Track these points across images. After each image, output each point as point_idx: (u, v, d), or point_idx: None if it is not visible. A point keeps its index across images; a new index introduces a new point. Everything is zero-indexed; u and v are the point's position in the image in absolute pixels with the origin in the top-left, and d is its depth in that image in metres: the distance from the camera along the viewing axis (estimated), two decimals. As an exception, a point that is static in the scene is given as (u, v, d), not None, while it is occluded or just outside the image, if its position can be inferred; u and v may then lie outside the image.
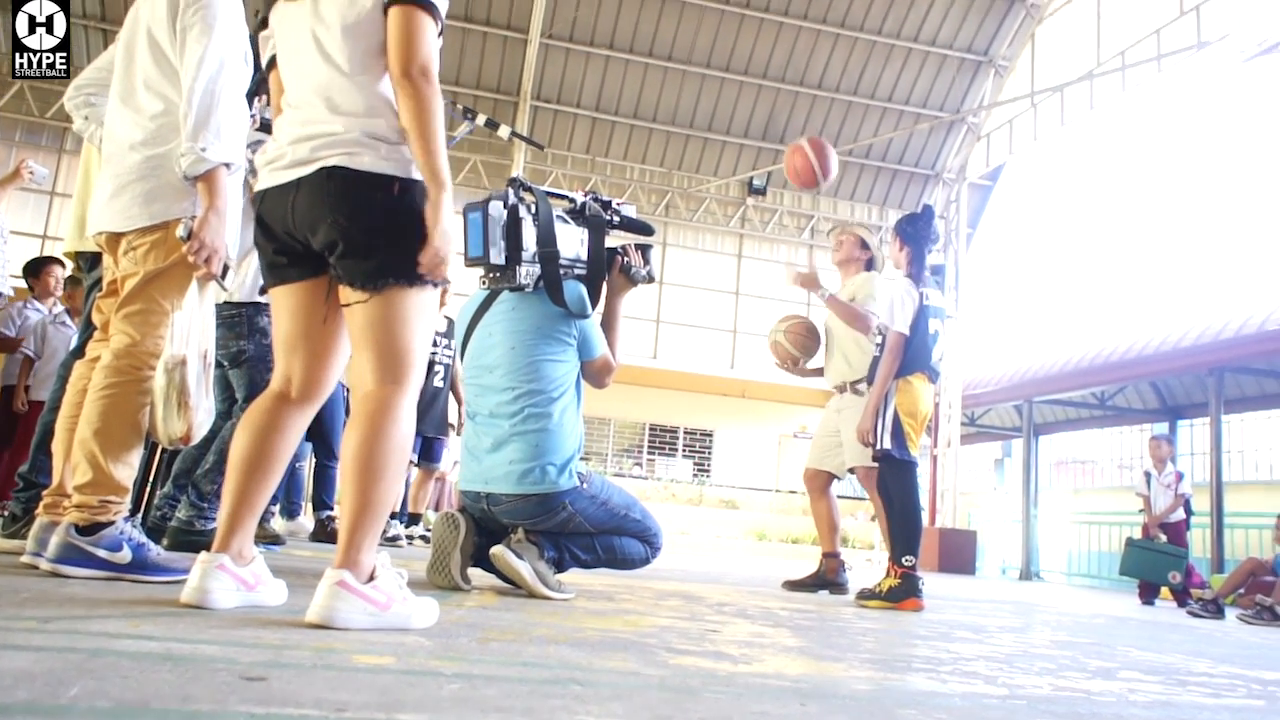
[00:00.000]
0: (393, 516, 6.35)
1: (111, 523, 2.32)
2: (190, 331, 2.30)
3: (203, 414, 2.32)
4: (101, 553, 2.29)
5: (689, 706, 1.35)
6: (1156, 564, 8.03)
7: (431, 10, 1.92)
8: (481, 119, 3.60)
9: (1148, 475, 8.74)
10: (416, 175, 1.92)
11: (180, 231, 2.31)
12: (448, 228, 1.89)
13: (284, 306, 2.03)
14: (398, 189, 1.90)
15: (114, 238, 2.49)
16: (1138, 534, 8.82)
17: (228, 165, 2.39)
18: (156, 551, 2.38)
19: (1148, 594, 8.26)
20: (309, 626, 1.74)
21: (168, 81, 2.46)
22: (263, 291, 2.12)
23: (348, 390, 5.75)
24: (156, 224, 2.43)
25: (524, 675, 1.47)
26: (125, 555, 2.31)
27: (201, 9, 2.41)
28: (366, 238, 1.87)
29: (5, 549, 2.83)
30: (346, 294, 1.93)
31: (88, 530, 2.29)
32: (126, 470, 2.38)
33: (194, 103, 2.36)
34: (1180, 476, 8.57)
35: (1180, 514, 8.42)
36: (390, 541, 6.01)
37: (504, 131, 3.70)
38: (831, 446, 4.93)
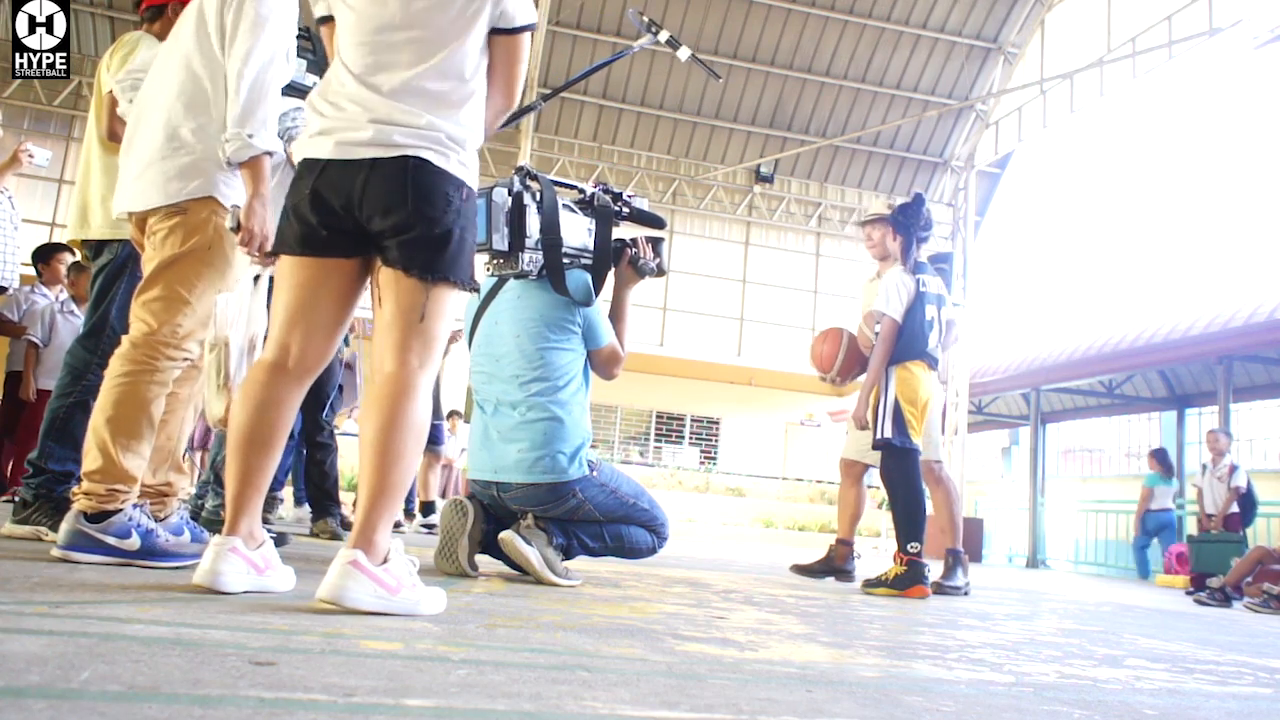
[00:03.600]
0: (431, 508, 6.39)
1: (120, 510, 2.34)
2: (236, 315, 2.34)
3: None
4: (110, 539, 2.30)
5: (695, 693, 1.36)
6: (1219, 554, 8.09)
7: (532, 30, 2.10)
8: (664, 35, 3.57)
9: (1204, 467, 8.80)
10: (476, 185, 2.05)
11: (229, 223, 2.37)
12: None
13: (298, 277, 2.01)
14: (465, 194, 1.99)
15: (140, 221, 2.52)
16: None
17: (269, 153, 2.43)
18: (165, 538, 2.40)
19: (1199, 584, 8.22)
20: (318, 610, 1.75)
21: (205, 63, 2.48)
22: (271, 255, 2.10)
23: None
24: (174, 206, 2.45)
25: (531, 661, 1.48)
26: (134, 542, 2.33)
27: (257, 1, 2.43)
28: (438, 232, 1.92)
29: (16, 535, 2.85)
30: (401, 279, 1.94)
31: (96, 518, 2.31)
32: (136, 460, 2.39)
33: (243, 91, 2.39)
34: (1235, 469, 8.56)
35: (1234, 506, 8.46)
36: (430, 529, 6.05)
37: (683, 53, 3.67)
38: (869, 438, 4.90)
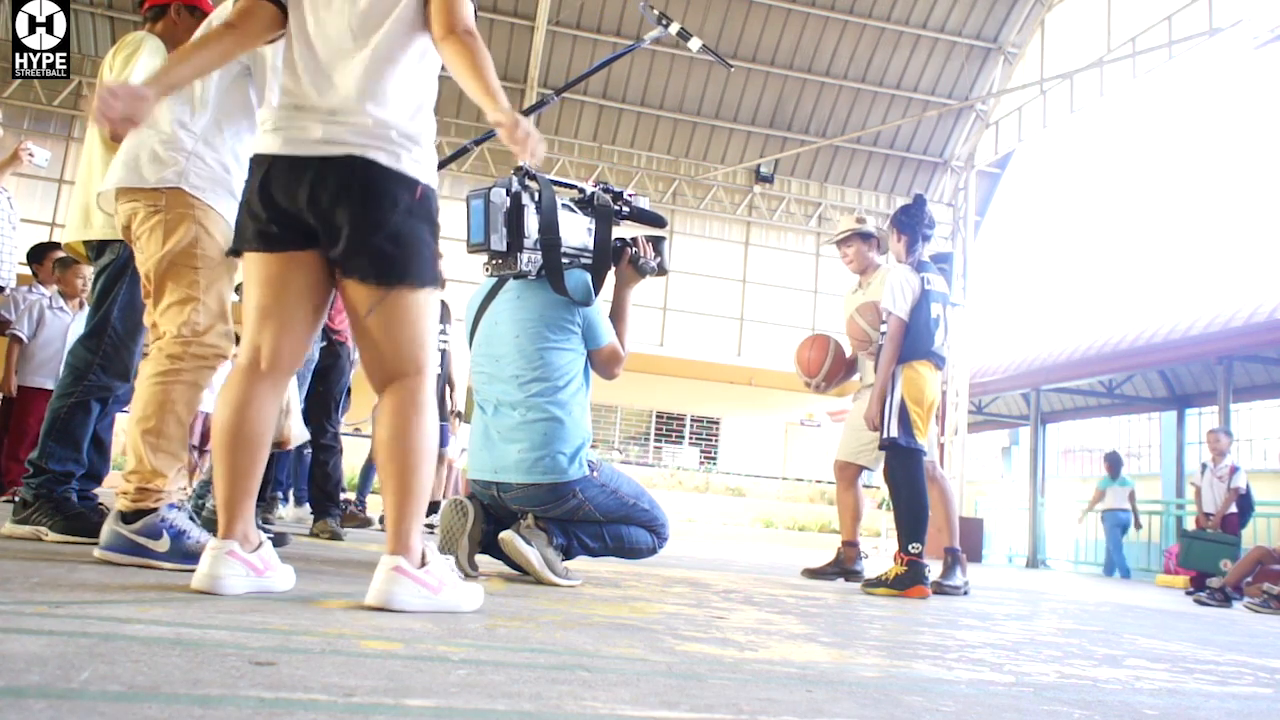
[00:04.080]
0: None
1: (154, 510, 2.35)
2: None
3: (297, 425, 2.44)
4: (141, 539, 2.32)
5: (695, 693, 1.36)
6: (1211, 553, 8.08)
7: None
8: (675, 27, 3.57)
9: (1204, 466, 8.79)
10: (434, 181, 1.99)
11: None
12: (528, 127, 1.93)
13: (262, 274, 1.98)
14: (419, 193, 1.94)
15: (125, 229, 2.55)
16: (1152, 524, 8.85)
17: None
18: (195, 539, 2.38)
19: (1199, 584, 8.21)
20: (318, 609, 1.75)
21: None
22: (232, 254, 2.07)
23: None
24: (151, 205, 2.46)
25: (531, 661, 1.48)
26: (164, 543, 2.33)
27: None
28: (387, 236, 1.90)
29: (16, 535, 2.85)
30: (356, 288, 1.94)
31: (131, 517, 2.33)
32: (166, 458, 2.41)
33: None
34: (1235, 470, 8.56)
35: (1232, 506, 8.46)
36: (430, 529, 6.04)
37: (695, 44, 3.68)
38: (864, 440, 4.90)
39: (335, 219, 1.89)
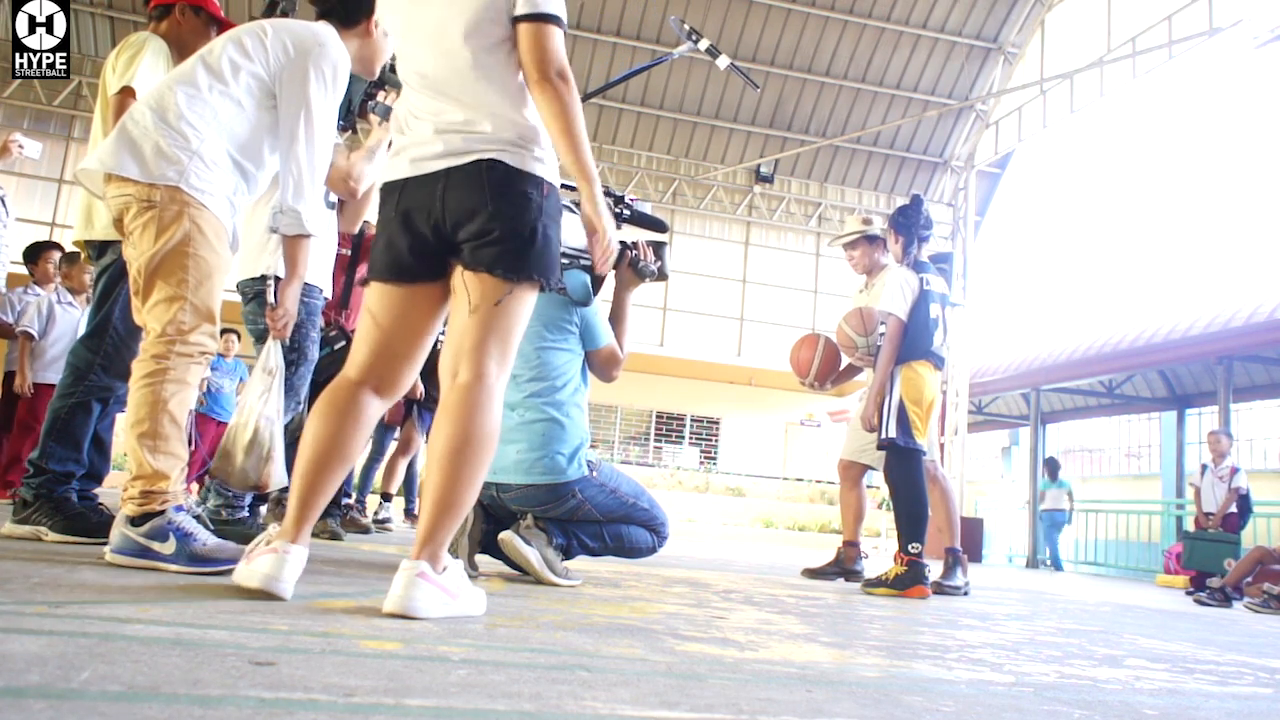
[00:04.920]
0: (385, 498, 6.37)
1: (160, 513, 2.34)
2: (272, 392, 2.50)
3: (278, 470, 2.52)
4: (147, 543, 2.31)
5: (695, 693, 1.36)
6: (1214, 553, 8.12)
7: (558, 22, 1.98)
8: (705, 44, 3.57)
9: (1204, 467, 8.82)
10: (556, 180, 2.01)
11: (271, 299, 2.56)
12: (609, 220, 2.03)
13: (390, 308, 2.01)
14: (545, 190, 1.96)
15: (118, 222, 2.51)
16: (1152, 524, 8.87)
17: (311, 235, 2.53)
18: (203, 542, 2.36)
19: (1199, 584, 8.22)
20: (318, 609, 1.75)
21: (216, 68, 2.49)
22: (363, 284, 2.09)
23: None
24: (145, 201, 2.42)
25: (531, 661, 1.48)
26: (170, 546, 2.32)
27: (331, 67, 2.46)
28: (522, 232, 1.90)
29: (16, 535, 2.85)
30: (483, 279, 1.91)
31: (139, 521, 2.33)
32: (166, 459, 2.40)
33: (301, 164, 2.45)
34: (1236, 471, 8.58)
35: (1232, 506, 8.50)
36: (380, 524, 6.02)
37: (722, 61, 3.67)
38: (866, 439, 4.90)
39: (473, 220, 1.89)
